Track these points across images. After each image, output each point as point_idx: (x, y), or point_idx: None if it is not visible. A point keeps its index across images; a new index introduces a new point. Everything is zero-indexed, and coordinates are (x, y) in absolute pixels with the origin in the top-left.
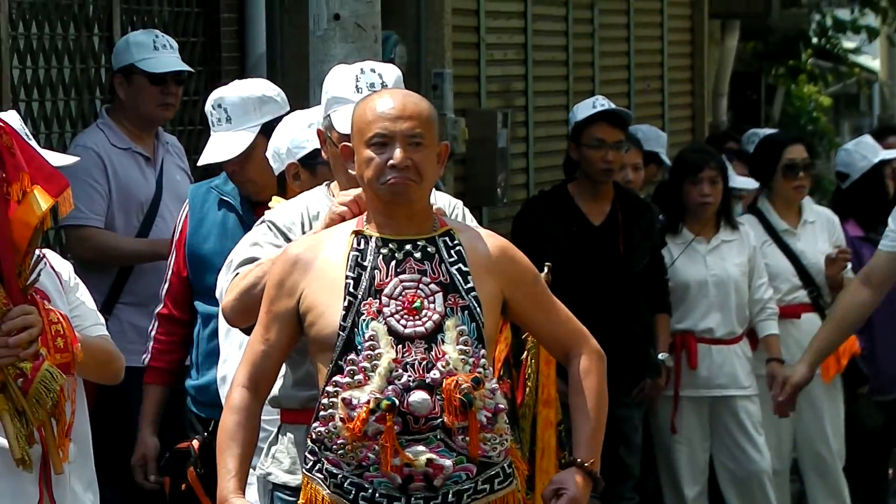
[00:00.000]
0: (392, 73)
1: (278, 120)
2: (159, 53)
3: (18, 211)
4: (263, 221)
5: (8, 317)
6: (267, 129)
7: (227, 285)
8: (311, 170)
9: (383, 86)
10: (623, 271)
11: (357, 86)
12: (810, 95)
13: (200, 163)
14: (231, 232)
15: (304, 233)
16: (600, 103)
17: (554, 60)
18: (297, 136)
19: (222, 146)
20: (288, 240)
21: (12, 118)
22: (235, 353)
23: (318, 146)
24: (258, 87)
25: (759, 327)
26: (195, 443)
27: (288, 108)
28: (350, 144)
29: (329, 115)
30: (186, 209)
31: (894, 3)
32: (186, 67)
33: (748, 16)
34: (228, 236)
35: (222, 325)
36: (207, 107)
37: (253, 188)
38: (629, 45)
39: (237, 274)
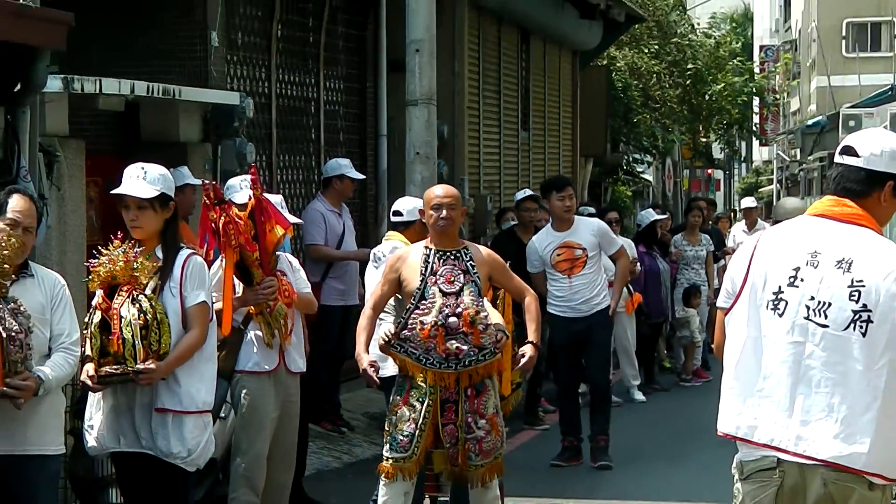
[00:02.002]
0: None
1: None
2: (353, 171)
3: (269, 235)
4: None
5: (264, 282)
6: None
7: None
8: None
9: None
10: None
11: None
12: (623, 192)
13: None
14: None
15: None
16: (526, 192)
17: (510, 172)
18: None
19: None
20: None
21: (276, 198)
22: None
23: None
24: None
25: None
26: None
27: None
28: (423, 209)
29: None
30: None
31: (659, 153)
32: (363, 177)
33: (596, 156)
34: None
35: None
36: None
37: None
38: (545, 166)
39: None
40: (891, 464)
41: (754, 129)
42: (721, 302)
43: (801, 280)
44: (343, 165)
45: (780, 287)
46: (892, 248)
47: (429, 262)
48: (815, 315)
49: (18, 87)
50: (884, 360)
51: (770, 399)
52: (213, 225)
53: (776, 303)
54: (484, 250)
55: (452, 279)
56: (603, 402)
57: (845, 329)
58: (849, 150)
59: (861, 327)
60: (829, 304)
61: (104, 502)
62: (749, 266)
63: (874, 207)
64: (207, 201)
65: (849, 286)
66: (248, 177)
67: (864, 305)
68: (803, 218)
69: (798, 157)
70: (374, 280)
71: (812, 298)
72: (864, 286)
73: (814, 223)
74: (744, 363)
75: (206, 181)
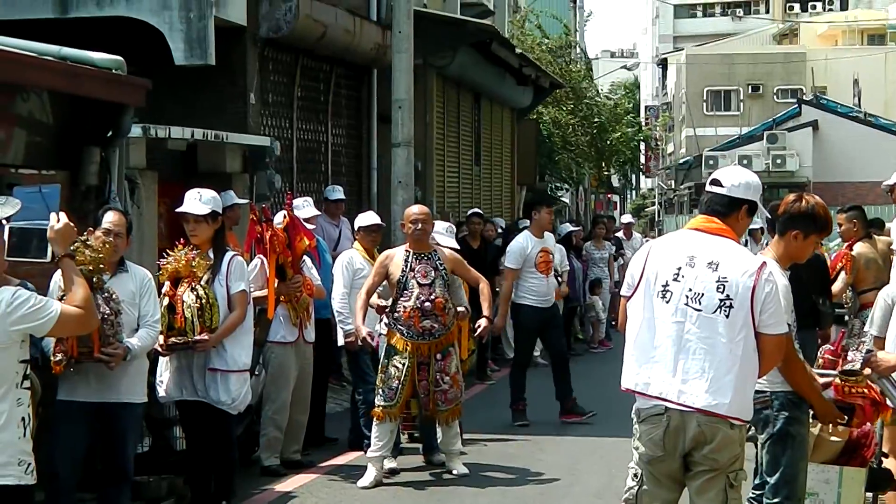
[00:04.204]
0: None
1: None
2: (336, 192)
3: (298, 244)
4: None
5: (293, 279)
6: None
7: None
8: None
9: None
10: (484, 263)
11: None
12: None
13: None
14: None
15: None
16: (474, 211)
17: (466, 195)
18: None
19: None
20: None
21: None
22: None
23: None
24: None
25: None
26: None
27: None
28: (404, 222)
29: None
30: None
31: (573, 183)
32: (343, 197)
33: (528, 184)
34: None
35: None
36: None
37: None
38: (491, 192)
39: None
40: (745, 410)
41: (641, 166)
42: (624, 291)
43: (682, 276)
44: (326, 191)
45: (667, 281)
46: (747, 254)
47: (408, 261)
48: (692, 302)
49: (110, 133)
50: (741, 335)
51: (659, 363)
52: (258, 236)
53: (664, 293)
54: (448, 252)
55: (426, 274)
56: (565, 368)
57: (714, 312)
58: (716, 182)
59: (725, 311)
60: (703, 294)
61: (171, 437)
62: (644, 265)
63: (734, 224)
64: (254, 218)
65: (716, 281)
66: (307, 198)
67: (728, 295)
68: (683, 231)
69: (673, 186)
70: (338, 276)
71: (690, 290)
72: (727, 281)
73: (691, 235)
74: (640, 337)
75: (257, 205)
